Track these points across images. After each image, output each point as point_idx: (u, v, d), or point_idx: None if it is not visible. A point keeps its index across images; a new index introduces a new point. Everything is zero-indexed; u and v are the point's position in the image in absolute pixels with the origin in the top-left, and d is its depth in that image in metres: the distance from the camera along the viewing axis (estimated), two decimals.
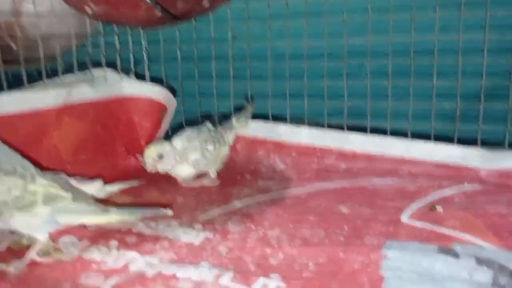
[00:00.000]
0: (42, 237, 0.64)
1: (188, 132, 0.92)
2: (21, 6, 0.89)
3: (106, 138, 1.04)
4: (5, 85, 0.84)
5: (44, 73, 0.93)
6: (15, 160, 0.65)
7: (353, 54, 1.03)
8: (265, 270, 0.59)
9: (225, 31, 1.11)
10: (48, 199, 0.62)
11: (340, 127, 1.01)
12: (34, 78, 0.98)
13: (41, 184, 0.62)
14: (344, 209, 0.77)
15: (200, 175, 0.93)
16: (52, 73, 1.00)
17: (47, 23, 0.92)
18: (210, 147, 0.91)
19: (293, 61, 1.06)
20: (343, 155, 0.98)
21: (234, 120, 1.03)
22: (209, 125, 0.98)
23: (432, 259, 0.59)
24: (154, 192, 0.88)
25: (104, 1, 0.79)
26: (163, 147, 0.87)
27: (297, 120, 1.05)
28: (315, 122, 1.03)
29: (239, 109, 1.10)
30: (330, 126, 1.02)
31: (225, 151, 0.97)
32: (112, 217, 0.65)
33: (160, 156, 0.85)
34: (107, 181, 0.91)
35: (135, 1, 0.78)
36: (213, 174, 0.94)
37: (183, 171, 0.90)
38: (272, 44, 1.07)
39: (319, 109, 1.05)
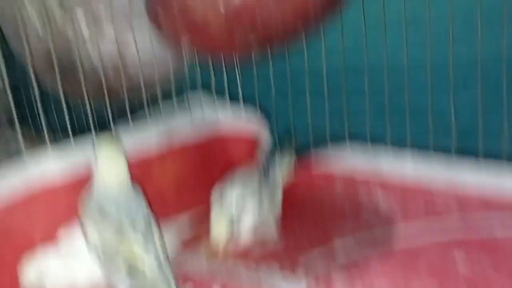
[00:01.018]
0: None
1: (237, 177, 0.83)
2: (126, 52, 0.92)
3: (205, 175, 1.04)
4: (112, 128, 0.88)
5: (147, 113, 0.96)
6: (132, 211, 0.68)
7: (459, 65, 0.94)
8: None
9: (318, 45, 1.07)
10: (127, 260, 0.63)
11: (447, 149, 0.93)
12: (138, 118, 1.02)
13: (129, 244, 0.64)
14: (463, 270, 0.69)
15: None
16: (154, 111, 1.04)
17: (148, 64, 0.95)
18: (265, 191, 0.83)
19: (392, 75, 1.00)
20: (454, 189, 0.88)
21: (277, 158, 0.96)
22: (255, 168, 0.90)
23: None
24: None
25: (200, 42, 0.80)
26: (227, 213, 0.76)
27: (398, 141, 0.98)
28: (419, 145, 0.96)
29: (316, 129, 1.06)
30: (436, 147, 0.94)
31: (279, 193, 0.89)
32: None
33: (231, 221, 0.77)
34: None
35: (230, 40, 0.78)
36: (273, 224, 0.84)
37: (245, 224, 0.80)
38: (368, 57, 1.01)
39: (423, 127, 0.98)
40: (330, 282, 0.68)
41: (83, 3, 0.91)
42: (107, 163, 0.68)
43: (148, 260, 0.63)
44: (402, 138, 0.99)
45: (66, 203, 0.75)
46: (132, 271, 0.63)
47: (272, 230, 0.84)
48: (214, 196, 0.84)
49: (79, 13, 0.91)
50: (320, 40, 1.05)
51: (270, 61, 1.12)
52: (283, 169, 0.96)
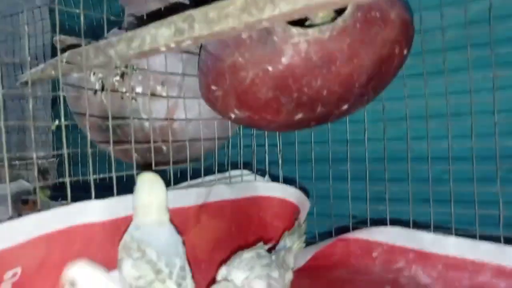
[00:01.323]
0: None
1: (245, 258, 0.79)
2: (174, 113, 0.98)
3: (239, 238, 1.04)
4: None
5: (189, 172, 0.98)
6: (170, 251, 0.66)
7: (505, 157, 0.94)
8: None
9: (360, 132, 1.09)
10: None
11: (494, 239, 0.89)
12: (178, 177, 1.04)
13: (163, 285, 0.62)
14: None
15: None
16: (194, 173, 1.06)
17: (194, 128, 0.99)
18: (275, 274, 0.77)
19: (434, 164, 1.00)
20: (501, 272, 0.85)
21: (286, 239, 0.93)
22: (265, 247, 0.85)
23: None
24: None
25: (248, 107, 0.83)
26: None
27: (442, 228, 0.95)
28: (464, 232, 0.92)
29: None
30: (483, 237, 0.90)
31: (289, 276, 0.83)
32: None
33: None
34: None
35: (277, 107, 0.81)
36: None
37: None
38: (410, 145, 1.02)
39: (467, 217, 0.95)
40: None
41: (142, 82, 0.98)
42: (147, 195, 0.68)
43: None
44: (446, 227, 0.95)
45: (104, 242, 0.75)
46: None
47: None
48: (220, 275, 0.80)
49: (137, 88, 0.98)
50: (362, 127, 1.08)
51: (312, 144, 1.15)
52: (293, 251, 0.92)
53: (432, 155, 1.00)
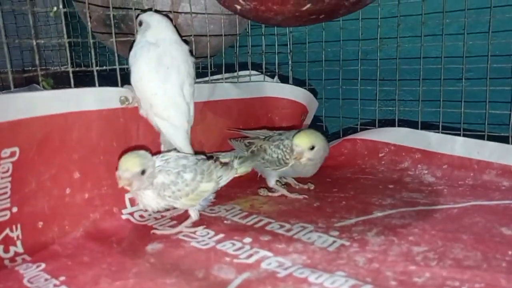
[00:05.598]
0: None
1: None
2: (179, 7, 0.94)
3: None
4: None
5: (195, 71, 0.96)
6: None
7: None
8: None
9: (372, 32, 1.05)
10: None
11: (502, 139, 0.88)
12: None
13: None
14: (507, 232, 0.65)
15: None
16: (202, 72, 1.05)
17: (200, 23, 0.96)
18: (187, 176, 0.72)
19: (447, 64, 0.96)
20: (506, 171, 0.85)
21: (235, 163, 0.80)
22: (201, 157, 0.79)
23: None
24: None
25: None
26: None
27: (451, 129, 0.94)
28: (472, 132, 0.91)
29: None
30: (491, 137, 0.89)
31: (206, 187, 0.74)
32: None
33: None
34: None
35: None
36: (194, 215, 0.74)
37: None
38: (424, 46, 0.98)
39: (477, 117, 0.93)
40: (365, 245, 0.63)
41: None
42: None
43: None
44: (455, 128, 0.94)
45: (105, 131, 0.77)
46: None
47: None
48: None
49: None
50: (375, 26, 1.03)
51: (323, 44, 1.11)
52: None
53: (446, 54, 0.96)
